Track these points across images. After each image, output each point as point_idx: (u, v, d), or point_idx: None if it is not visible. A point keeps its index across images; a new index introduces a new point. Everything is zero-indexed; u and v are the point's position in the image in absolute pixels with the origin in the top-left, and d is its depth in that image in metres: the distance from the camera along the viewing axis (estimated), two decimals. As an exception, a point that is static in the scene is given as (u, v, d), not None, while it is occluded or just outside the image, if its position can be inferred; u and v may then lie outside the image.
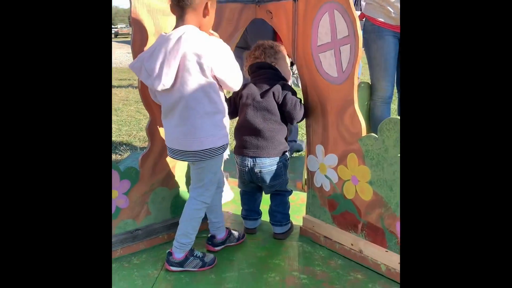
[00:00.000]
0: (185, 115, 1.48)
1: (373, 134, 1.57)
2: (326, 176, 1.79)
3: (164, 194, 1.85)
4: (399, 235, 1.52)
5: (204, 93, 1.47)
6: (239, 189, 1.98)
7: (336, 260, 1.73)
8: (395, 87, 2.39)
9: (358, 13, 2.40)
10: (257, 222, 1.98)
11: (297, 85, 4.59)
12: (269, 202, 1.94)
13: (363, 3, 2.69)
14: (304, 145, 3.42)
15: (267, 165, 1.76)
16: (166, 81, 1.42)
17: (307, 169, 1.90)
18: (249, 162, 1.77)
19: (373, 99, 2.39)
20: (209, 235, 1.81)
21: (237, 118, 1.85)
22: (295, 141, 3.08)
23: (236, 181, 1.98)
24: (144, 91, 1.68)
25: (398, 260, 1.51)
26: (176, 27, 1.48)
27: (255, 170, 1.77)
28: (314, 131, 1.82)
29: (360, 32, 1.53)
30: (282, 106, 1.76)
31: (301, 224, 1.94)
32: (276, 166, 1.78)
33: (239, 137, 1.81)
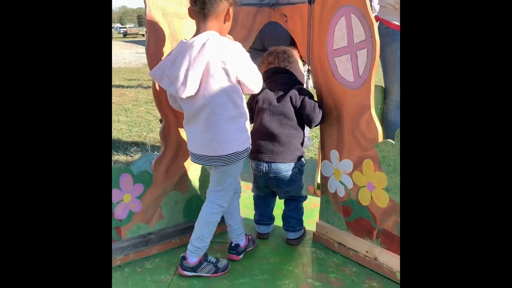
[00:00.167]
0: (210, 121, 1.48)
1: (390, 140, 1.54)
2: (340, 181, 1.76)
3: (177, 198, 1.84)
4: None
5: (229, 98, 1.47)
6: (253, 194, 1.96)
7: (351, 267, 1.71)
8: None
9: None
10: (270, 227, 1.97)
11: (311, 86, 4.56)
12: (282, 207, 1.93)
13: (376, 6, 2.66)
14: (311, 142, 3.40)
15: (282, 171, 1.74)
16: (191, 88, 1.42)
17: (321, 174, 1.88)
18: (264, 167, 1.76)
19: (386, 103, 2.36)
20: (232, 244, 1.76)
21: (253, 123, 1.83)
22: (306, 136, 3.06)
23: (249, 184, 1.96)
24: (158, 95, 1.67)
25: (415, 269, 1.49)
26: (197, 32, 1.47)
27: (270, 175, 1.75)
28: (329, 135, 1.80)
29: (377, 37, 1.51)
30: (300, 110, 1.74)
31: (313, 228, 1.92)
32: (291, 171, 1.76)
33: (254, 142, 1.79)
